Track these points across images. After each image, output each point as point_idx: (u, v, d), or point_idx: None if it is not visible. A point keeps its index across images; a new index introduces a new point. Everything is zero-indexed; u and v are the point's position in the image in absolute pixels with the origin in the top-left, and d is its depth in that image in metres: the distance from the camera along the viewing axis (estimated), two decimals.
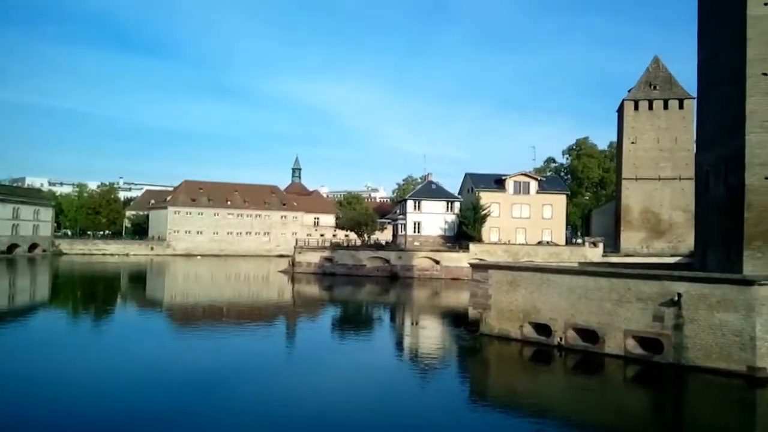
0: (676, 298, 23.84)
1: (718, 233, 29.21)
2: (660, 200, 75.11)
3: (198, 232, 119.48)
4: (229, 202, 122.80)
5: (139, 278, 72.10)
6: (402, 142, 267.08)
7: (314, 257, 74.03)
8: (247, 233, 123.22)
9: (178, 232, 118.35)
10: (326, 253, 74.09)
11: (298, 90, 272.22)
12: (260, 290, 61.91)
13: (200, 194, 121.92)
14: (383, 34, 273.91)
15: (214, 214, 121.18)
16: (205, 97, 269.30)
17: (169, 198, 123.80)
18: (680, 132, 72.89)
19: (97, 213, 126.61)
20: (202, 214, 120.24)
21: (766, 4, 25.67)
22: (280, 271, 75.61)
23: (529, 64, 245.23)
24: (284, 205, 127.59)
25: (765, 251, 25.33)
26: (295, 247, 78.92)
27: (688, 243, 61.30)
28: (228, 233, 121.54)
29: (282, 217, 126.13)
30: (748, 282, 22.59)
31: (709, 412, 20.17)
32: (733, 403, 20.88)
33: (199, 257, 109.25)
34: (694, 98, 42.98)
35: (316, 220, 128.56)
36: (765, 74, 25.63)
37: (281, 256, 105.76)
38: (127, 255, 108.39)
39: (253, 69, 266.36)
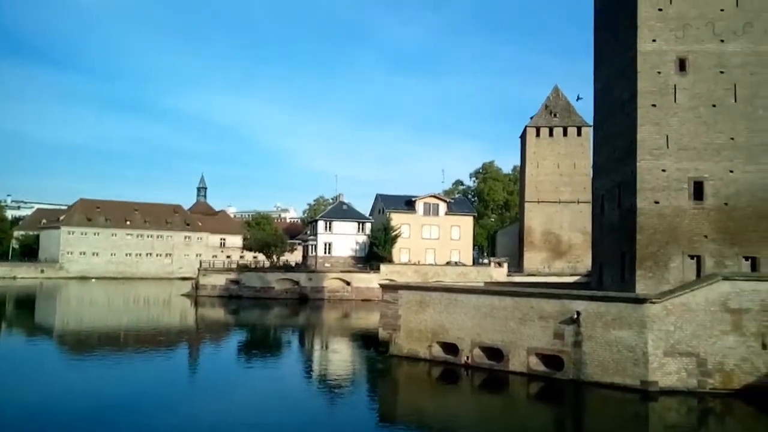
0: (575, 316, 24.81)
1: (613, 254, 30.82)
2: (560, 222, 78.83)
3: (94, 254, 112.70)
4: (128, 222, 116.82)
5: (27, 303, 66.70)
6: (314, 162, 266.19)
7: (220, 279, 71.53)
8: (147, 255, 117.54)
9: (72, 253, 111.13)
10: (233, 276, 71.82)
11: (206, 107, 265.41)
12: (161, 315, 58.93)
13: (97, 213, 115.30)
14: (297, 54, 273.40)
15: (112, 235, 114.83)
16: (105, 111, 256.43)
17: (62, 217, 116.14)
18: (578, 158, 77.10)
19: None
20: (98, 234, 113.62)
21: (654, 41, 27.69)
22: (183, 295, 72.43)
23: (440, 89, 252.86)
24: (188, 225, 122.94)
25: (655, 271, 26.97)
26: (199, 269, 75.94)
27: (586, 263, 64.55)
28: (127, 255, 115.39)
29: (186, 237, 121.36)
30: (641, 300, 23.87)
31: (605, 426, 20.96)
32: (628, 416, 21.84)
33: (93, 280, 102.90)
34: (590, 126, 45.73)
35: (223, 241, 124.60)
36: (654, 105, 27.55)
37: (184, 278, 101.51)
38: (14, 278, 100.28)
39: (158, 83, 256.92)
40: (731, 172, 27.01)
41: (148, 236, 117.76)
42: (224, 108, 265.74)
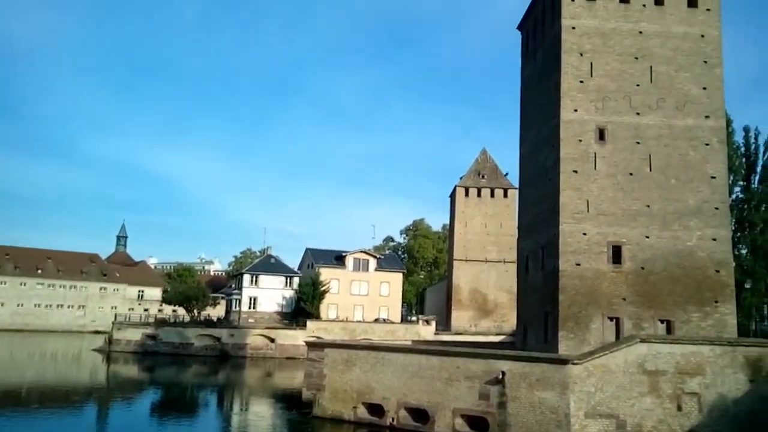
0: (500, 377, 24.74)
1: (536, 314, 31.29)
2: (486, 281, 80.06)
3: None
4: (39, 271, 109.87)
5: None
6: (242, 214, 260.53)
7: (135, 334, 67.79)
8: (58, 306, 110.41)
9: None
10: (149, 330, 68.25)
11: (131, 154, 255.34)
12: (69, 371, 54.98)
13: (5, 261, 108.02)
14: (229, 105, 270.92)
15: (21, 284, 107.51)
16: (19, 153, 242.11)
17: None
18: (505, 218, 79.23)
19: None
20: (5, 283, 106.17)
21: (576, 111, 29.15)
22: (95, 350, 68.10)
23: (371, 146, 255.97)
24: (105, 275, 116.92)
25: (576, 332, 27.47)
26: (113, 323, 71.97)
27: (511, 322, 65.37)
28: (36, 305, 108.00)
29: (101, 289, 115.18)
30: (563, 361, 24.12)
31: None
32: None
33: None
34: (516, 188, 47.27)
35: (141, 294, 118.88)
36: (575, 171, 28.73)
37: (97, 332, 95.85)
38: None
39: (79, 127, 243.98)
40: (647, 237, 28.28)
41: (60, 286, 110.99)
42: (150, 156, 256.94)
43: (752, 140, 46.92)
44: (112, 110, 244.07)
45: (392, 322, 74.46)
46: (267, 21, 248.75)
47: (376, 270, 79.47)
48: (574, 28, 29.77)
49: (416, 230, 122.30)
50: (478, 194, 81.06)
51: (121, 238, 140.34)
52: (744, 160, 46.61)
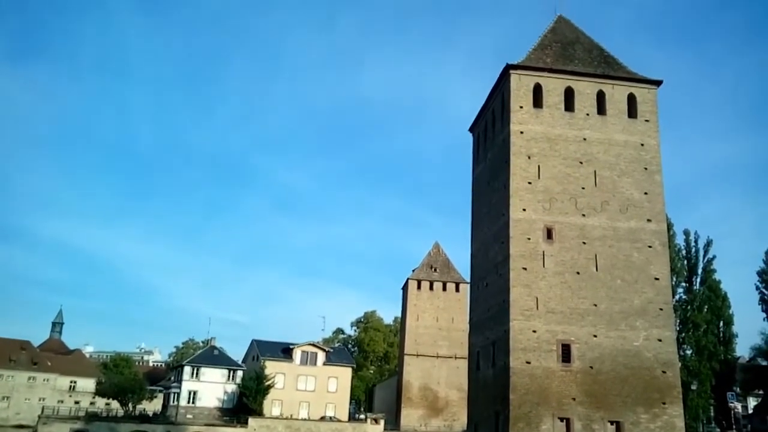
0: None
1: (487, 413, 30.53)
2: (437, 377, 78.46)
3: None
4: None
5: None
6: (187, 301, 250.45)
7: (63, 429, 62.68)
8: None
9: None
10: (78, 425, 63.46)
11: (73, 234, 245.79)
12: None
13: None
14: (179, 190, 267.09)
15: None
16: None
17: None
18: (456, 313, 79.01)
19: None
20: None
21: (524, 210, 29.92)
22: None
23: (323, 236, 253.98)
24: (35, 364, 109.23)
25: None
26: (39, 416, 66.67)
27: (461, 421, 63.63)
28: None
29: (30, 378, 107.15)
30: None
31: None
32: None
33: None
34: (468, 283, 47.35)
35: (73, 385, 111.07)
36: (525, 269, 29.09)
37: (21, 426, 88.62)
38: None
39: (16, 204, 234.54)
40: (595, 336, 28.45)
41: None
42: (93, 238, 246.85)
43: (692, 243, 49.17)
44: (54, 189, 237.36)
45: (339, 421, 71.40)
46: (222, 107, 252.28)
47: (324, 364, 76.95)
48: (522, 132, 31.12)
49: (368, 322, 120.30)
50: (431, 287, 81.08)
51: (57, 325, 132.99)
52: (685, 262, 48.49)
